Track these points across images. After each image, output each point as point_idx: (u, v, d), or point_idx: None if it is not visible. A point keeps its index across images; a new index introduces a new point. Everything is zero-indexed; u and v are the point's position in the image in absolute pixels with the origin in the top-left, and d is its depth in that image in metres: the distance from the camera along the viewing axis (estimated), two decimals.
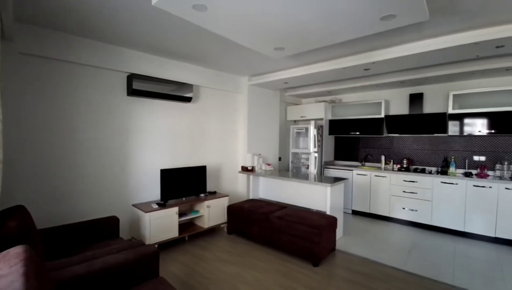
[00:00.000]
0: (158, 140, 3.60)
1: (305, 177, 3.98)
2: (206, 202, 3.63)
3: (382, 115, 4.70)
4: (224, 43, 3.00)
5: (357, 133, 5.01)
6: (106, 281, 1.57)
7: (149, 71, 3.42)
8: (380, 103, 4.74)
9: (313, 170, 4.97)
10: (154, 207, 3.13)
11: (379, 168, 4.74)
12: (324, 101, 5.47)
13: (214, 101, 4.36)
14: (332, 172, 5.03)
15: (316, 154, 4.97)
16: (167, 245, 3.27)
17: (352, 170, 4.79)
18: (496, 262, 2.99)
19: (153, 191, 3.51)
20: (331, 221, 3.12)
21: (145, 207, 3.14)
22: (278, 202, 4.03)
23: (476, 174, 3.84)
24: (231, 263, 2.92)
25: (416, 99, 4.53)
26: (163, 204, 3.25)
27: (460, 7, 2.16)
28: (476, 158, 4.06)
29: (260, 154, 4.71)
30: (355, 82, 4.55)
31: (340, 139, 5.62)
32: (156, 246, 2.93)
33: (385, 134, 4.81)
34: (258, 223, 3.40)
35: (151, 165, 3.50)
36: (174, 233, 3.25)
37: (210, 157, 4.29)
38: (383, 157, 4.82)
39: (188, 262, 2.92)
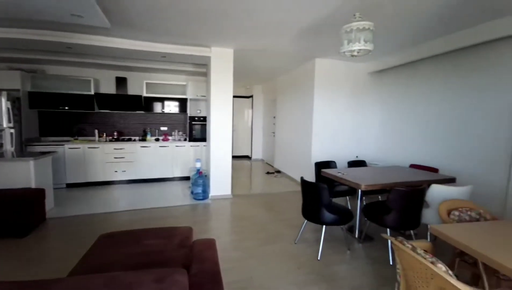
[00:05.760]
0: None
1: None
2: None
3: (92, 92, 5.15)
4: None
5: (67, 108, 5.04)
6: None
7: None
8: (90, 80, 5.13)
9: (10, 148, 4.28)
10: None
11: (93, 140, 5.23)
12: (20, 69, 4.71)
13: None
14: (38, 149, 4.68)
15: (12, 130, 4.31)
16: None
17: (63, 145, 4.82)
18: (175, 191, 4.88)
19: None
20: (36, 194, 3.20)
21: None
22: None
23: (162, 139, 5.70)
24: None
25: (121, 81, 5.51)
26: None
27: (135, 26, 3.23)
28: (162, 128, 5.99)
29: None
30: (60, 56, 4.50)
31: (46, 114, 5.23)
32: None
33: (97, 110, 5.35)
34: None
35: None
36: None
37: None
38: (96, 131, 5.36)
39: None
